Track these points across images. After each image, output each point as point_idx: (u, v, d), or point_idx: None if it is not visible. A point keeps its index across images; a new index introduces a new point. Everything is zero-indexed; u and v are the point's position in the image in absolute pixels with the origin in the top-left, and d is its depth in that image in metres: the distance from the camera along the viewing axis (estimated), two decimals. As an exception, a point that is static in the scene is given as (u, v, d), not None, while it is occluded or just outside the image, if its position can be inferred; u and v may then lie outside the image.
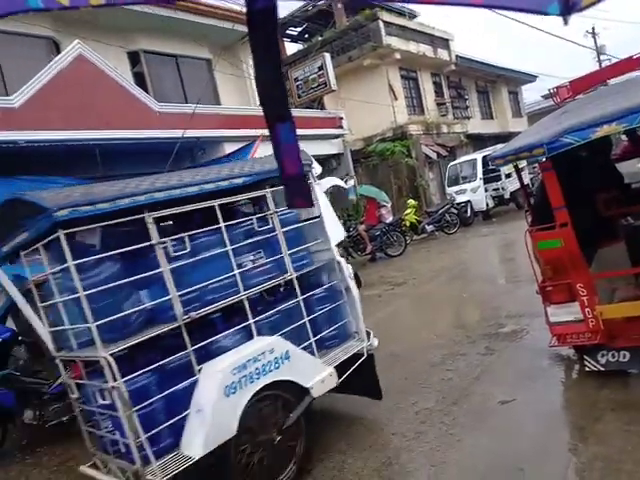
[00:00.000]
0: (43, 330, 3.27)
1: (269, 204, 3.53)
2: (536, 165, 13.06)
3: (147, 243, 2.88)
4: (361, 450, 3.53)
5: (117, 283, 2.78)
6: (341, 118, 14.66)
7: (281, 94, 1.12)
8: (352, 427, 3.88)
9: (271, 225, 3.52)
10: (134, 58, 11.62)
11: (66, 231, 2.63)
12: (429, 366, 4.72)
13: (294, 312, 3.52)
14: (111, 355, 2.64)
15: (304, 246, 3.75)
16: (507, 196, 15.95)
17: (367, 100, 17.41)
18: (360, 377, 3.70)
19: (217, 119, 10.63)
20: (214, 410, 2.80)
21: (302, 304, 3.55)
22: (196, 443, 2.77)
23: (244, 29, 13.26)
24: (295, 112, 13.77)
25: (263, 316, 3.35)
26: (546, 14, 1.04)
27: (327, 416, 4.16)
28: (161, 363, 2.86)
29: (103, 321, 2.66)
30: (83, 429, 3.27)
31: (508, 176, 15.56)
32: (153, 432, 2.72)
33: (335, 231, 4.00)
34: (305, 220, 3.83)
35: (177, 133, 8.41)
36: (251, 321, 3.26)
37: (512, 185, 15.61)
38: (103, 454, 3.16)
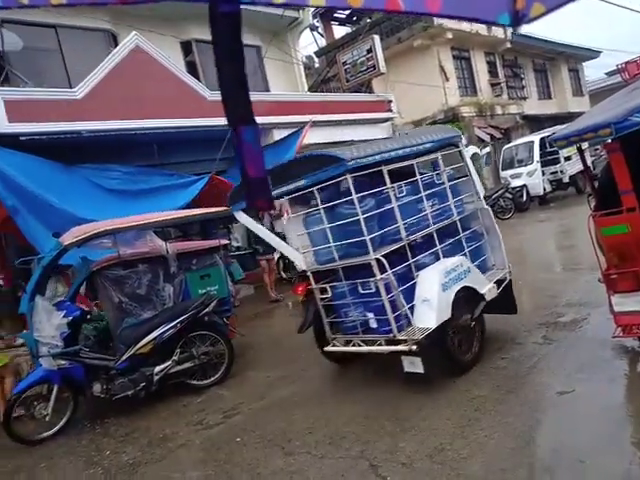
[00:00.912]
0: (295, 253, 4.64)
1: (440, 164, 4.73)
2: (598, 147, 12.34)
3: (384, 187, 4.13)
4: (414, 434, 3.55)
5: (373, 212, 4.08)
6: (390, 101, 14.37)
7: (245, 98, 1.11)
8: (405, 410, 3.90)
9: (441, 180, 4.73)
10: (187, 47, 11.89)
11: (351, 175, 3.89)
12: (483, 354, 4.63)
13: (457, 245, 4.74)
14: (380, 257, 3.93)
15: (462, 196, 5.03)
16: (566, 180, 15.11)
17: (417, 82, 17.01)
18: (502, 297, 4.78)
19: (266, 106, 10.72)
20: (438, 299, 4.05)
21: (463, 239, 4.77)
22: (430, 318, 4.00)
23: (293, 14, 13.26)
24: (343, 97, 13.77)
25: (443, 245, 4.57)
26: (497, 24, 1.09)
27: (379, 397, 4.22)
28: (400, 267, 4.14)
29: (373, 235, 4.00)
30: (325, 321, 4.56)
31: (567, 159, 14.76)
32: (410, 305, 4.07)
33: (479, 187, 5.18)
34: (460, 177, 5.06)
35: (229, 120, 8.55)
36: (439, 247, 4.52)
37: (572, 168, 14.81)
38: (345, 336, 4.52)
